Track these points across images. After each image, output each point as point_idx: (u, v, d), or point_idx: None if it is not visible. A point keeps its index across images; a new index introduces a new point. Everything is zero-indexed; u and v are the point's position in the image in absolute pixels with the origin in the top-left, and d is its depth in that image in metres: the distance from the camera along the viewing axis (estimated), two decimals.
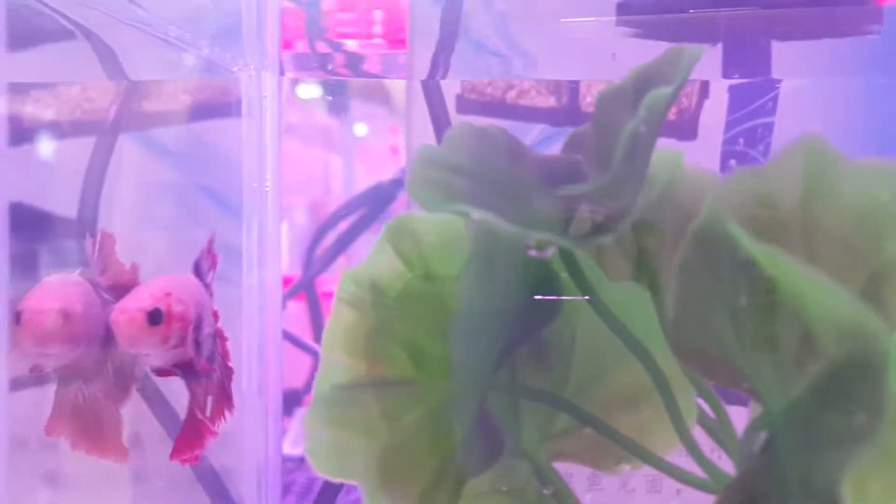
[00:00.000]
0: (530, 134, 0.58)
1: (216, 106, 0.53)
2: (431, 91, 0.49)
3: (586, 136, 0.30)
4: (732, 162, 0.60)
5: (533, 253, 0.28)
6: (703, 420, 0.30)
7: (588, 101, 0.58)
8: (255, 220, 0.46)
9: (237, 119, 0.48)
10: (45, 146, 0.52)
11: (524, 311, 0.30)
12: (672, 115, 0.58)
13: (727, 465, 0.29)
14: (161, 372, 0.40)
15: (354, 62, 0.53)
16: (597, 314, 0.29)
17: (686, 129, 0.59)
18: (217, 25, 0.45)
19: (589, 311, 0.30)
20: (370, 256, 0.31)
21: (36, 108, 0.54)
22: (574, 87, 0.57)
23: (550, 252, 0.29)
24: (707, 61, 0.56)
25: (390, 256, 0.31)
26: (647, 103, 0.26)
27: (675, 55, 0.28)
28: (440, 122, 0.49)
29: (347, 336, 0.31)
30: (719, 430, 0.29)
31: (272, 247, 0.47)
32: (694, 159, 0.61)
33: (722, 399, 0.30)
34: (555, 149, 0.57)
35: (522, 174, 0.29)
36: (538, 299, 0.30)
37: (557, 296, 0.30)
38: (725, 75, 0.54)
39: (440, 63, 0.50)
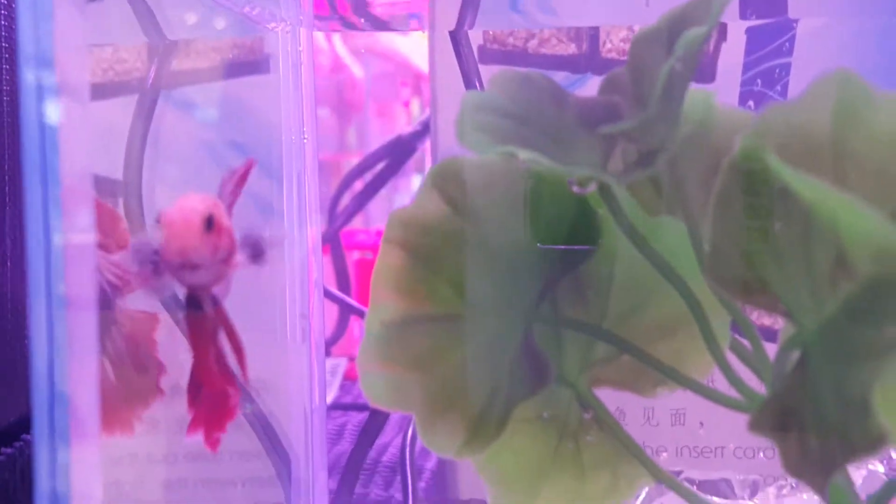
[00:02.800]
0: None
1: (246, 63, 0.54)
2: (459, 41, 0.51)
3: (622, 78, 0.31)
4: (751, 103, 0.61)
5: (575, 189, 0.30)
6: (734, 347, 0.32)
7: (608, 48, 0.59)
8: (294, 174, 0.47)
9: (266, 75, 0.49)
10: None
11: (565, 247, 0.32)
12: None
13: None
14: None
15: (371, 15, 0.54)
16: (634, 246, 0.31)
17: (705, 71, 0.60)
18: None
19: (627, 246, 0.31)
20: (417, 199, 0.33)
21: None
22: (594, 34, 0.58)
23: (592, 188, 0.30)
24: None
25: (436, 199, 0.32)
26: (683, 42, 0.27)
27: None
28: (469, 73, 0.50)
29: (396, 276, 0.33)
30: (752, 356, 0.31)
31: (312, 199, 0.48)
32: None
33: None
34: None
35: (563, 116, 0.30)
36: (578, 235, 0.32)
37: (596, 231, 0.32)
38: (743, 16, 0.55)
39: (467, 13, 0.51)
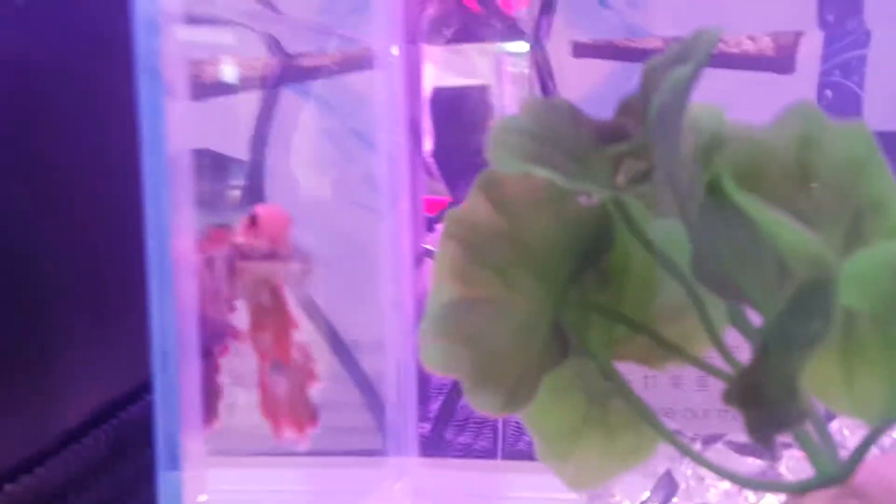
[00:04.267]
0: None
1: (359, 62, 0.62)
2: (535, 51, 0.56)
3: (635, 102, 0.37)
4: (828, 92, 0.64)
5: (585, 200, 0.36)
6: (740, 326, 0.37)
7: None
8: (392, 156, 0.55)
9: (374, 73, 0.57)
10: (223, 100, 0.62)
11: (587, 245, 0.38)
12: (771, 50, 0.63)
13: None
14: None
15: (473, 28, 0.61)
16: (642, 246, 0.37)
17: (785, 63, 0.64)
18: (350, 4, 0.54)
19: (638, 244, 0.37)
20: (468, 201, 0.39)
21: (215, 70, 0.65)
22: None
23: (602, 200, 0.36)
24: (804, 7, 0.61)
25: (483, 201, 0.39)
26: (669, 80, 0.33)
27: (699, 35, 0.34)
28: (543, 78, 0.56)
29: (452, 265, 0.39)
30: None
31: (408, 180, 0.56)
32: (793, 91, 0.67)
33: None
34: None
35: (581, 136, 0.36)
36: (598, 235, 0.38)
37: (612, 235, 0.37)
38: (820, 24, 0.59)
39: (543, 24, 0.56)
